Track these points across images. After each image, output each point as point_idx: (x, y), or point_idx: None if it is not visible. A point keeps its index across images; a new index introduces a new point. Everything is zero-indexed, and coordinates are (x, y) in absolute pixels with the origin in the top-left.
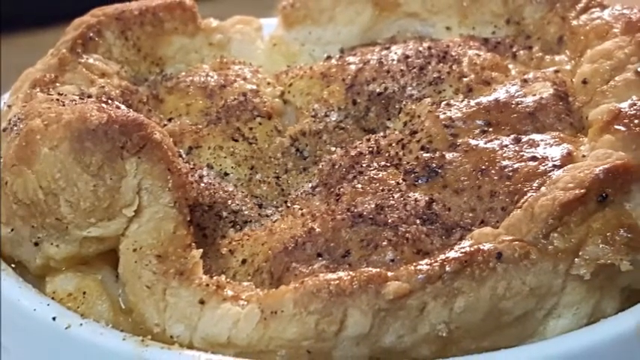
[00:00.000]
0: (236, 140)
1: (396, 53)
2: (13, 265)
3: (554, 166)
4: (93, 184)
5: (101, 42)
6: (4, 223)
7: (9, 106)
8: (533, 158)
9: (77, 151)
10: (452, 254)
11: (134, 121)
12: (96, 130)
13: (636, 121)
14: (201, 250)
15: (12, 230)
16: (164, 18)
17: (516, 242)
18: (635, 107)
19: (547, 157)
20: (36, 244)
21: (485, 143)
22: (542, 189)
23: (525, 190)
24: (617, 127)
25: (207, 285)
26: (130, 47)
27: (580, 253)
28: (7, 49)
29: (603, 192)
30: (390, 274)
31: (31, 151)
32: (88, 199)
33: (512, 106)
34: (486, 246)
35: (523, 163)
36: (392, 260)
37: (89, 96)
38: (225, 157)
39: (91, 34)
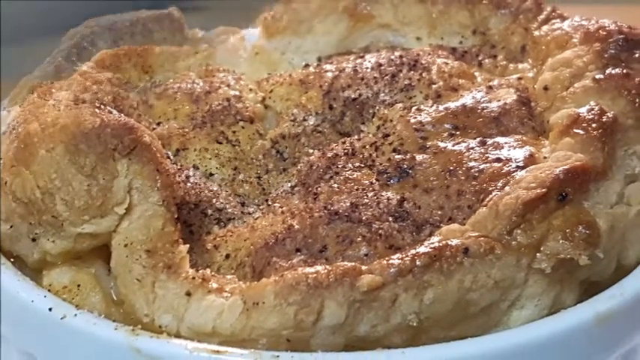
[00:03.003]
0: (220, 143)
1: (369, 62)
2: (12, 260)
3: (518, 167)
4: (87, 184)
5: (94, 51)
6: (3, 220)
7: (8, 111)
8: (498, 160)
9: (72, 153)
10: (422, 249)
11: (125, 124)
12: (89, 133)
13: (594, 125)
14: (187, 246)
15: (11, 227)
16: (153, 28)
17: (482, 238)
18: (592, 112)
19: (511, 158)
20: (33, 239)
21: (453, 146)
22: (506, 188)
23: (490, 189)
24: (576, 130)
25: (194, 278)
26: (121, 56)
27: (541, 249)
28: (6, 57)
29: (563, 191)
30: (364, 267)
31: (29, 152)
32: (82, 197)
33: (478, 111)
34: (454, 242)
35: (488, 164)
36: (366, 255)
37: (83, 101)
38: (210, 159)
39: (85, 44)
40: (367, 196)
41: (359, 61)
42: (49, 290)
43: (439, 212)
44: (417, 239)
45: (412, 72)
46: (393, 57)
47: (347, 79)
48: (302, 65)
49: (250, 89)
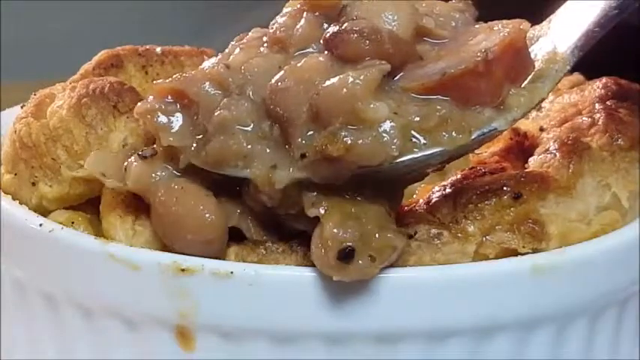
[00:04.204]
0: None
1: None
2: None
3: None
4: (85, 132)
5: (121, 72)
6: (8, 171)
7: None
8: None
9: (76, 107)
10: None
11: (129, 87)
12: (95, 89)
13: (564, 149)
14: None
15: (15, 174)
16: (185, 62)
17: (432, 223)
18: (569, 139)
19: None
20: (33, 183)
21: None
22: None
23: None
24: (549, 151)
25: None
26: (148, 80)
27: (487, 237)
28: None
29: (519, 191)
30: None
31: (39, 109)
32: (80, 142)
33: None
34: None
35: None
36: None
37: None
38: None
39: (112, 63)
40: None
41: None
42: None
43: None
44: None
45: None
46: None
47: None
48: None
49: None
